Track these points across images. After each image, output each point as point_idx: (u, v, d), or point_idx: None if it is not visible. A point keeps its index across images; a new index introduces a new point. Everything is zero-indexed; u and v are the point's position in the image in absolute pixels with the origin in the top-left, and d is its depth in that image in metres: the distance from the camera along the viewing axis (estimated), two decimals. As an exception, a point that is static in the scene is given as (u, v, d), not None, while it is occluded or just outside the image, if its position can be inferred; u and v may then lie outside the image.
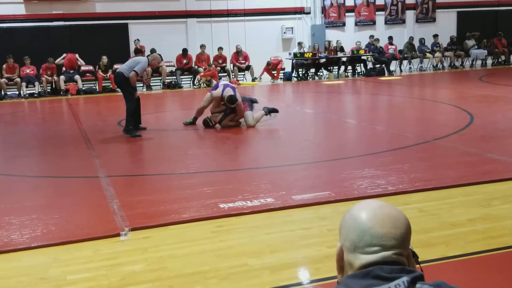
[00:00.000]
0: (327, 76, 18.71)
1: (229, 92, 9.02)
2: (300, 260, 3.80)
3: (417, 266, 1.36)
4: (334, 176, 5.86)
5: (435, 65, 19.91)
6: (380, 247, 1.28)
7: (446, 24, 21.30)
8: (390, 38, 19.75)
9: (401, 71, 19.63)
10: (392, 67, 19.20)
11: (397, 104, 12.45)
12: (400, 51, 19.81)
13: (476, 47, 20.31)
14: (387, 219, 1.30)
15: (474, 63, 20.38)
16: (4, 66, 15.93)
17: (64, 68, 16.33)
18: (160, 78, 17.26)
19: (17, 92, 15.88)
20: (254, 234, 4.27)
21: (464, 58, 20.40)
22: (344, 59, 18.89)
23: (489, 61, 20.55)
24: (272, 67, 18.01)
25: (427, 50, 20.01)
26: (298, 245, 4.04)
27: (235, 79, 17.59)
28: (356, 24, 20.58)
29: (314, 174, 6.13)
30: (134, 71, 8.56)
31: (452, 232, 4.15)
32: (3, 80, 15.77)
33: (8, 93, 15.84)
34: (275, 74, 18.04)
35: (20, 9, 16.84)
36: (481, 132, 7.99)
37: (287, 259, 3.78)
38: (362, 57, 18.98)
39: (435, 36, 20.29)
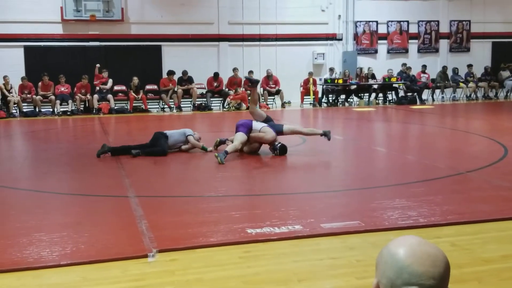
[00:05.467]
0: (357, 102, 18.65)
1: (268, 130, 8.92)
2: (328, 291, 3.74)
3: None
4: (364, 205, 5.78)
5: (468, 95, 19.68)
6: (418, 286, 1.25)
7: (480, 54, 21.11)
8: (424, 66, 19.64)
9: (433, 100, 19.46)
10: (424, 96, 19.05)
11: (428, 134, 12.30)
12: (433, 80, 19.66)
13: (511, 78, 20.03)
14: (426, 257, 1.27)
15: (508, 94, 20.08)
16: (40, 83, 16.30)
17: (97, 88, 16.64)
18: (190, 99, 17.44)
19: (51, 110, 16.22)
20: (281, 261, 4.23)
21: (499, 89, 20.13)
22: (375, 86, 18.82)
23: (524, 92, 20.26)
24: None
25: (461, 80, 19.81)
26: (326, 274, 3.98)
27: (264, 103, 17.68)
28: (388, 52, 20.54)
29: (344, 202, 6.06)
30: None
31: (485, 268, 4.04)
32: (38, 97, 16.14)
33: (42, 110, 16.18)
34: (313, 90, 18.04)
35: (57, 29, 17.28)
36: (516, 166, 7.82)
37: (315, 288, 3.73)
38: (394, 85, 18.89)
39: (469, 66, 20.10)
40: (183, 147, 9.35)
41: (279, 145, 8.81)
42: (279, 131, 9.02)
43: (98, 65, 16.62)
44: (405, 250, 1.29)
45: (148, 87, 17.37)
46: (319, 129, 9.41)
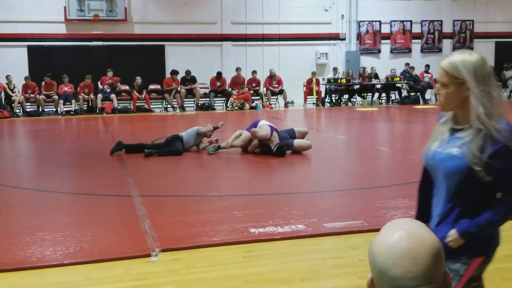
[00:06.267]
0: (360, 102, 18.64)
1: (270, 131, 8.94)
2: (331, 290, 3.74)
3: None
4: (366, 204, 5.78)
5: (471, 95, 19.62)
6: None
7: (483, 54, 20.69)
8: (427, 66, 19.61)
9: (436, 100, 19.41)
10: (427, 96, 19.02)
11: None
12: (436, 80, 19.61)
13: (514, 78, 20.00)
14: (405, 256, 1.20)
15: (511, 94, 20.04)
16: (43, 83, 16.33)
17: (100, 87, 16.66)
18: (193, 99, 17.46)
19: (54, 109, 16.25)
20: (284, 261, 4.23)
21: (502, 89, 20.07)
22: (378, 86, 18.80)
23: (527, 92, 20.22)
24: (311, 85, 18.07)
25: (464, 80, 19.75)
26: (329, 274, 3.98)
27: (268, 102, 17.69)
28: (391, 52, 20.52)
29: (346, 202, 6.06)
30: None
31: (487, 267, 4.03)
32: (42, 97, 16.17)
33: (45, 109, 16.21)
34: (316, 90, 18.02)
35: (61, 29, 17.30)
36: (519, 165, 7.78)
37: (318, 288, 3.73)
38: (397, 85, 18.87)
39: (472, 65, 20.03)
40: (201, 145, 9.49)
41: (276, 146, 8.79)
42: (289, 144, 9.07)
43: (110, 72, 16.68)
44: (384, 251, 1.22)
45: (151, 86, 17.37)
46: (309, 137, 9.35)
